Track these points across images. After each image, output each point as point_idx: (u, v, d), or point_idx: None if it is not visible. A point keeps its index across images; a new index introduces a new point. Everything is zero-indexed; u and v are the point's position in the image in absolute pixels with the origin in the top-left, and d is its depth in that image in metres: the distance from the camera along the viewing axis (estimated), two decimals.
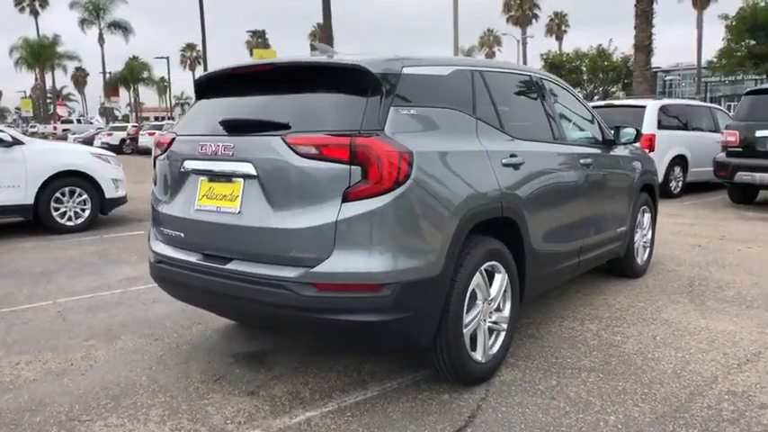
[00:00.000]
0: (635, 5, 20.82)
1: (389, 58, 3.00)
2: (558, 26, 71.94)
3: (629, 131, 4.85)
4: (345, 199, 2.68)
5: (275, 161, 2.82)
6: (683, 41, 76.57)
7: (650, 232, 5.76)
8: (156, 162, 3.49)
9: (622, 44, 52.79)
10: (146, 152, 29.72)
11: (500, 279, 3.33)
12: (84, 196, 8.18)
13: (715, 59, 36.94)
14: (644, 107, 11.22)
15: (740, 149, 9.78)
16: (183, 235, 3.20)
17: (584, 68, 43.84)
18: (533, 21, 68.13)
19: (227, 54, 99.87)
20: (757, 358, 3.62)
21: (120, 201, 8.62)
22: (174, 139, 3.33)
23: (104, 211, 8.52)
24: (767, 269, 5.80)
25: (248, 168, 2.89)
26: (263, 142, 2.89)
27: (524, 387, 3.24)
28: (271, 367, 3.53)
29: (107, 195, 8.31)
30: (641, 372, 3.43)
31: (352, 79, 2.87)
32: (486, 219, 3.15)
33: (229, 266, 2.95)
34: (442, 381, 3.29)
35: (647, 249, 5.73)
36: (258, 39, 68.90)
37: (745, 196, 10.45)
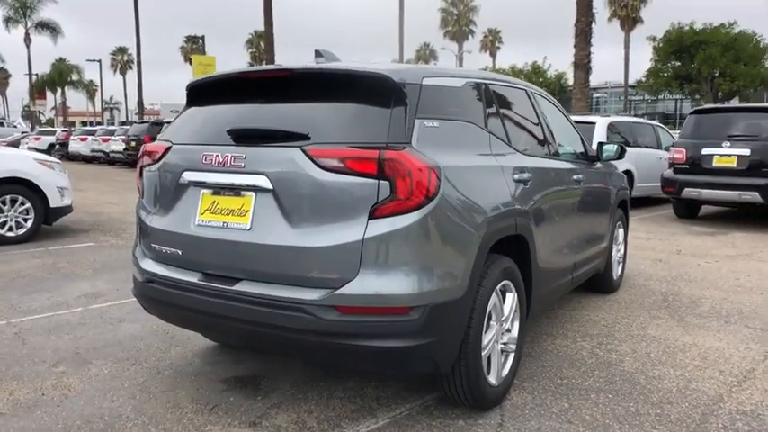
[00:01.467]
0: (575, 25, 21.54)
1: (410, 67, 2.86)
2: (492, 42, 73.98)
3: (611, 148, 4.89)
4: (372, 216, 2.51)
5: (294, 174, 2.61)
6: (611, 61, 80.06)
7: (623, 247, 5.84)
8: (144, 172, 3.21)
9: (555, 62, 54.81)
10: (76, 158, 28.35)
11: (511, 299, 3.24)
12: (27, 205, 7.60)
13: (643, 79, 38.81)
14: (594, 123, 11.52)
15: (687, 166, 10.17)
16: (180, 252, 2.93)
17: None
18: (470, 36, 69.85)
19: (161, 60, 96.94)
20: (753, 375, 3.66)
21: (66, 210, 8.06)
22: (169, 148, 3.05)
23: (49, 222, 7.93)
24: (731, 284, 5.98)
25: (262, 181, 2.67)
26: (280, 154, 2.68)
27: (538, 410, 3.15)
28: (267, 394, 3.30)
29: (52, 204, 7.74)
30: (648, 392, 3.40)
31: (373, 89, 2.71)
32: (503, 236, 3.05)
33: (238, 287, 2.72)
34: (451, 405, 3.15)
35: (621, 264, 5.80)
36: (193, 44, 67.22)
37: (689, 211, 10.87)
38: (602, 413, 3.13)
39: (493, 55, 73.43)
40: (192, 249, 2.90)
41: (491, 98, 3.40)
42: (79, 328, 4.38)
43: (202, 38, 42.89)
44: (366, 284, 2.50)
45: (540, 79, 44.19)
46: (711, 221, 10.57)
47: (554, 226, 3.83)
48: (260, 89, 2.97)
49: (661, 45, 36.21)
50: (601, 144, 4.96)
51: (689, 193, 10.08)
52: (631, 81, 47.70)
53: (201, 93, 3.23)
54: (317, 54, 3.26)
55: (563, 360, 3.86)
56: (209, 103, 3.15)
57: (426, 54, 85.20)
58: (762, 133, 9.66)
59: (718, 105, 12.12)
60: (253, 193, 2.73)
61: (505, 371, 3.24)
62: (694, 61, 34.57)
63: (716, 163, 9.82)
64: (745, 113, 10.51)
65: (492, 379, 3.08)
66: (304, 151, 2.60)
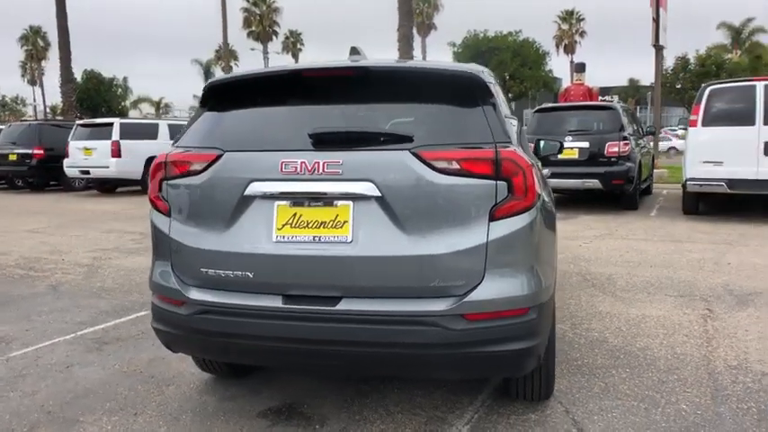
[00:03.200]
0: (398, 30, 22.62)
1: (480, 67, 2.82)
2: (293, 44, 74.33)
3: (552, 144, 5.20)
4: (492, 217, 2.45)
5: (406, 179, 2.44)
6: None
7: None
8: (171, 186, 2.74)
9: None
10: None
11: None
12: None
13: None
14: None
15: None
16: (251, 275, 2.56)
17: None
18: (274, 37, 69.31)
19: None
20: (710, 335, 4.22)
21: None
22: (219, 156, 2.64)
23: None
24: (622, 260, 6.79)
25: (367, 189, 2.44)
26: (386, 157, 2.47)
27: (584, 393, 3.31)
28: (323, 422, 3.03)
29: None
30: (651, 362, 3.75)
31: (460, 87, 2.64)
32: None
33: (342, 307, 2.46)
34: (507, 402, 3.19)
35: None
36: None
37: None
38: (636, 386, 3.39)
39: (295, 56, 73.79)
40: (269, 270, 2.55)
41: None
42: (20, 382, 3.59)
43: None
44: (492, 289, 2.44)
45: None
46: (558, 208, 11.81)
47: None
48: (329, 88, 2.71)
49: (460, 51, 39.38)
50: (538, 140, 5.28)
51: None
52: None
53: (241, 92, 2.85)
54: (354, 51, 3.06)
55: (560, 343, 4.08)
56: (256, 104, 2.79)
57: (227, 54, 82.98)
58: (594, 128, 11.10)
59: (556, 104, 13.60)
60: (350, 202, 2.49)
61: None
62: (489, 65, 38.18)
63: (560, 155, 11.02)
64: (578, 111, 11.93)
65: None
66: (415, 154, 2.45)
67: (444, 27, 59.88)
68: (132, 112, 60.06)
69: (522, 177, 2.46)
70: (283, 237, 2.54)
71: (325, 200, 2.51)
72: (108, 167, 14.64)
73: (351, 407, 3.18)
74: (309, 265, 2.51)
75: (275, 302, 2.54)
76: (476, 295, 2.42)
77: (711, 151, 9.45)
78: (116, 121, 15.22)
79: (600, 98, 16.67)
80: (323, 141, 2.54)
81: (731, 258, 6.77)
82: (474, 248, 2.42)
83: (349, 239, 2.48)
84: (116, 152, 14.53)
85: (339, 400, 3.25)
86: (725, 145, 9.37)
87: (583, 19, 66.59)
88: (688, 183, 9.67)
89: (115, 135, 14.68)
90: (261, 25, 65.78)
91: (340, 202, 2.50)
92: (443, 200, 2.44)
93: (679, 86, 37.08)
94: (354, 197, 2.48)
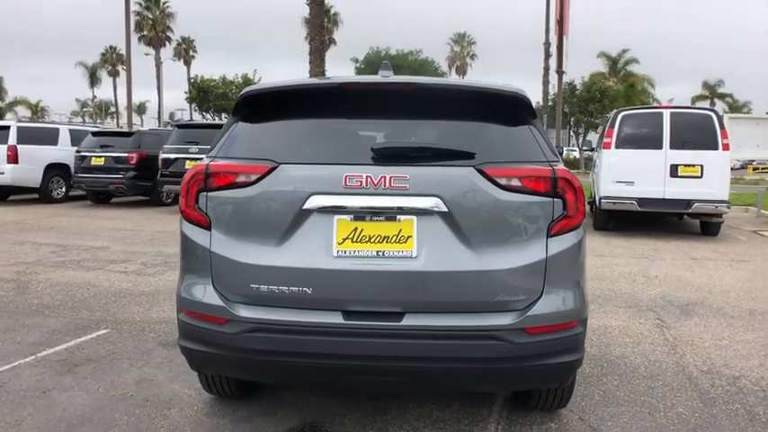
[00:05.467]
0: (309, 42, 22.57)
1: (518, 86, 2.92)
2: (186, 51, 71.91)
3: None
4: (549, 234, 2.54)
5: (472, 195, 2.48)
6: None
7: None
8: (211, 198, 2.60)
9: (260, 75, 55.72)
10: None
11: None
12: None
13: None
14: None
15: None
16: (310, 290, 2.48)
17: (233, 95, 44.85)
18: (167, 43, 66.61)
19: None
20: (671, 343, 4.58)
21: None
22: (273, 168, 2.54)
23: None
24: None
25: (434, 204, 2.45)
26: (454, 173, 2.50)
27: (588, 401, 3.48)
28: None
29: None
30: (632, 369, 4.01)
31: (507, 106, 2.72)
32: None
33: (407, 322, 2.45)
34: (523, 413, 3.29)
35: None
36: None
37: None
38: (631, 392, 3.61)
39: (187, 63, 71.43)
40: (329, 285, 2.48)
41: None
42: (6, 408, 3.22)
43: None
44: (550, 303, 2.53)
45: None
46: None
47: None
48: (379, 102, 2.70)
49: (363, 66, 39.88)
50: None
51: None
52: None
53: (286, 103, 2.76)
54: (386, 67, 3.06)
55: None
56: (306, 116, 2.72)
57: (113, 58, 78.71)
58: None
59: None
60: (413, 217, 2.48)
61: None
62: None
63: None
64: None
65: None
66: (480, 171, 2.49)
67: (344, 43, 60.52)
68: (8, 116, 55.43)
69: (574, 195, 2.58)
70: (344, 251, 2.48)
71: (388, 214, 2.49)
72: (3, 174, 13.39)
73: (374, 423, 3.14)
74: (372, 280, 2.48)
75: (336, 318, 2.48)
76: (536, 309, 2.50)
77: (623, 172, 10.24)
78: (13, 123, 14.00)
79: None
80: (387, 156, 2.52)
81: (655, 271, 7.35)
82: (536, 263, 2.51)
83: (414, 254, 2.47)
84: (12, 157, 13.34)
85: (358, 417, 3.20)
86: (635, 166, 10.19)
87: (474, 42, 69.94)
88: (602, 201, 10.39)
89: (12, 139, 13.47)
90: (153, 30, 63.06)
91: (403, 217, 2.49)
92: (506, 216, 2.51)
93: (566, 110, 39.72)
94: (420, 212, 2.48)
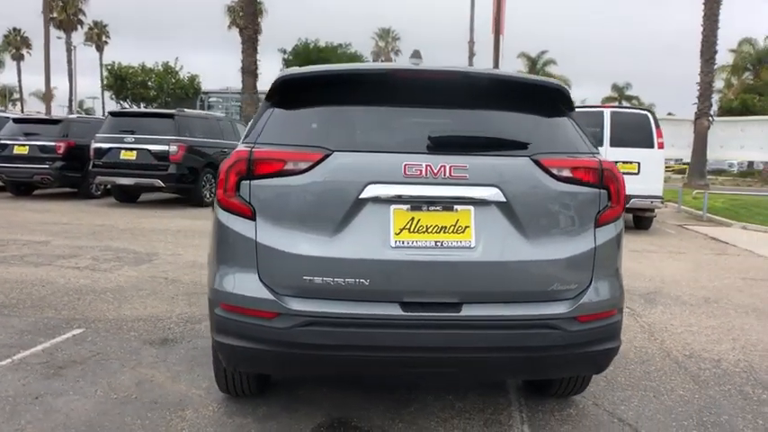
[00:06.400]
0: (242, 31, 22.13)
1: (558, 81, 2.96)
2: (98, 36, 68.28)
3: None
4: (597, 224, 2.60)
5: (530, 185, 2.49)
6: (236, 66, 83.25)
7: None
8: (265, 186, 2.48)
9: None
10: None
11: None
12: None
13: None
14: None
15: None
16: (367, 282, 2.41)
17: (152, 84, 43.02)
18: (79, 27, 62.84)
19: None
20: (651, 331, 4.81)
21: None
22: (327, 155, 2.44)
23: None
24: None
25: (493, 194, 2.45)
26: (511, 163, 2.50)
27: (594, 387, 3.59)
28: None
29: None
30: (623, 354, 4.17)
31: (550, 99, 2.76)
32: None
33: (466, 313, 2.43)
34: (542, 400, 3.36)
35: None
36: None
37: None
38: (631, 377, 3.77)
39: (100, 49, 67.84)
40: (386, 277, 2.42)
41: None
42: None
43: None
44: (597, 292, 2.59)
45: (174, 80, 42.98)
46: None
47: None
48: (428, 90, 2.65)
49: (291, 58, 39.26)
50: None
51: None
52: (264, 88, 50.30)
53: (332, 89, 2.66)
54: (416, 54, 3.02)
55: None
56: (355, 103, 2.64)
57: (17, 41, 73.53)
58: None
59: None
60: (470, 207, 2.47)
61: None
62: None
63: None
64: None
65: None
66: (535, 161, 2.51)
67: (268, 32, 59.44)
68: None
69: (617, 186, 2.65)
70: (402, 242, 2.44)
71: (445, 204, 2.46)
72: None
73: (401, 416, 3.11)
74: (430, 270, 2.44)
75: (394, 310, 2.43)
76: (586, 298, 2.55)
77: None
78: None
79: None
80: (445, 145, 2.49)
81: None
82: (586, 253, 2.56)
83: (472, 245, 2.46)
84: None
85: (382, 411, 3.16)
86: None
87: (399, 38, 70.53)
88: None
89: None
90: (64, 12, 59.27)
91: (460, 207, 2.47)
92: (559, 206, 2.55)
93: None
94: (477, 202, 2.47)
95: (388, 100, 2.67)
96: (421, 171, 2.43)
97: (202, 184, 12.56)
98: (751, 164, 39.14)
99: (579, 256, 2.55)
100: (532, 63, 54.69)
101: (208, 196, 12.71)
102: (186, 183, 12.18)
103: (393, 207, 2.45)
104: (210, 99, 77.47)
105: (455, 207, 2.47)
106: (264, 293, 2.45)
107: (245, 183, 2.50)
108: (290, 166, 2.46)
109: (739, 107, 33.66)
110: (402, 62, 3.01)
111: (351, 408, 3.18)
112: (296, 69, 2.78)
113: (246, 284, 2.49)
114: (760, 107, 34.91)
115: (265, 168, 2.48)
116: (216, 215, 2.61)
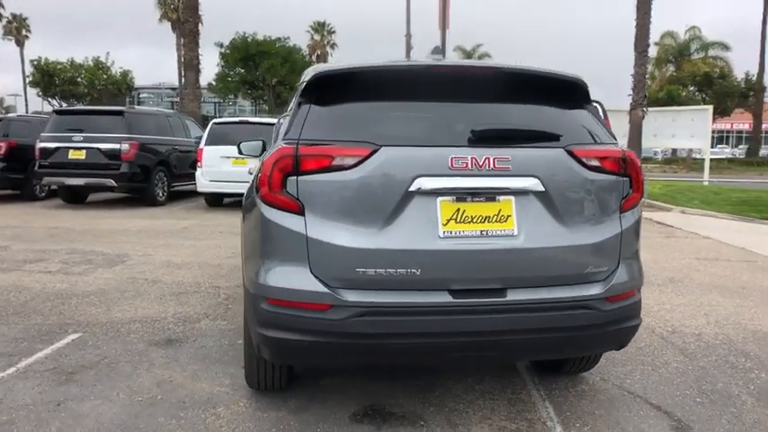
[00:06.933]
0: (183, 24, 21.56)
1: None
2: (17, 30, 64.83)
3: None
4: (621, 210, 2.78)
5: (565, 174, 2.65)
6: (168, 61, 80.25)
7: None
8: (314, 181, 2.53)
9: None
10: None
11: None
12: None
13: (214, 83, 40.51)
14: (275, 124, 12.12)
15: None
16: (418, 272, 2.50)
17: (82, 80, 41.17)
18: None
19: None
20: None
21: None
22: (375, 150, 2.51)
23: None
24: None
25: (533, 184, 2.59)
26: (548, 154, 2.64)
27: (602, 363, 3.81)
28: (421, 419, 3.04)
29: None
30: None
31: (572, 92, 2.91)
32: None
33: (511, 297, 2.56)
34: (549, 377, 3.56)
35: None
36: None
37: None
38: (626, 354, 3.99)
39: (20, 44, 64.39)
40: (436, 266, 2.52)
41: None
42: (14, 430, 2.85)
43: None
44: (624, 273, 2.78)
45: (105, 76, 41.30)
46: None
47: None
48: (464, 85, 2.77)
49: (228, 51, 38.47)
50: None
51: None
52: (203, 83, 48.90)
53: (370, 85, 2.72)
54: (437, 50, 3.12)
55: None
56: (392, 98, 2.73)
57: None
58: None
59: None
60: (511, 197, 2.60)
61: None
62: (259, 69, 38.00)
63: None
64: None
65: None
66: (569, 152, 2.66)
67: (206, 25, 57.97)
68: None
69: (637, 174, 2.84)
70: (450, 232, 2.54)
71: (488, 195, 2.59)
72: None
73: (429, 400, 3.23)
74: (476, 258, 2.56)
75: (444, 298, 2.53)
76: (616, 279, 2.74)
77: None
78: None
79: None
80: (487, 138, 2.61)
81: None
82: (614, 237, 2.74)
83: (514, 233, 2.59)
84: None
85: (409, 396, 3.27)
86: None
87: (334, 32, 70.08)
88: None
89: None
90: None
91: (502, 197, 2.60)
92: (591, 194, 2.71)
93: None
94: (519, 192, 2.60)
95: (427, 95, 2.76)
96: (467, 164, 2.54)
97: (155, 182, 12.21)
98: (674, 151, 41.31)
99: (608, 241, 2.73)
100: (468, 56, 55.62)
101: (161, 195, 12.41)
102: (139, 182, 11.81)
103: (440, 199, 2.55)
104: (141, 95, 74.89)
105: (497, 197, 2.60)
106: (317, 286, 2.51)
107: (291, 179, 2.54)
108: (338, 162, 2.52)
109: (665, 98, 35.39)
110: (402, 57, 3.10)
111: (379, 395, 3.27)
112: (332, 66, 2.83)
113: (298, 278, 2.53)
114: (684, 98, 36.84)
115: (313, 164, 2.53)
116: (259, 211, 2.63)
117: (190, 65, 21.43)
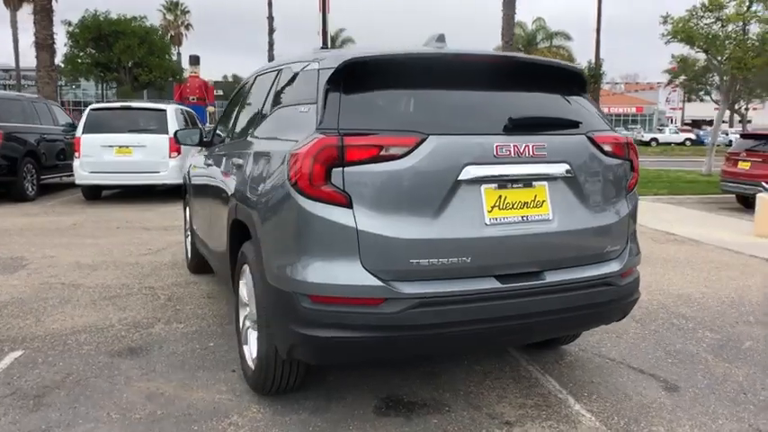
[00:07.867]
0: (35, 1, 19.27)
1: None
2: None
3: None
4: (627, 191, 2.98)
5: (589, 160, 2.80)
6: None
7: None
8: (361, 172, 2.44)
9: None
10: None
11: None
12: None
13: (62, 64, 36.81)
14: (164, 110, 11.38)
15: None
16: (468, 260, 2.50)
17: None
18: None
19: None
20: None
21: None
22: (423, 140, 2.45)
23: None
24: None
25: (563, 169, 2.69)
26: (575, 141, 2.76)
27: (596, 336, 4.06)
28: (444, 404, 3.06)
29: None
30: None
31: (574, 81, 3.05)
32: None
33: (549, 279, 2.66)
34: (535, 353, 3.74)
35: None
36: None
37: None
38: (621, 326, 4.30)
39: None
40: (484, 253, 2.54)
41: None
42: None
43: None
44: (631, 251, 3.01)
45: None
46: None
47: None
48: (494, 74, 2.83)
49: (78, 30, 35.13)
50: None
51: None
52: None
53: (407, 72, 2.67)
54: (441, 38, 3.11)
55: None
56: (431, 86, 2.69)
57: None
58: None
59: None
60: (545, 182, 2.67)
61: None
62: (114, 50, 35.14)
63: None
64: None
65: None
66: (590, 138, 2.79)
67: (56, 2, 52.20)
68: None
69: (636, 158, 3.05)
70: (495, 219, 2.57)
71: (525, 181, 2.65)
72: None
73: (442, 386, 3.26)
74: (519, 243, 2.62)
75: (493, 284, 2.56)
76: (626, 256, 2.94)
77: None
78: None
79: None
80: (525, 126, 2.66)
81: None
82: (625, 217, 2.94)
83: (550, 217, 2.68)
84: None
85: (419, 384, 3.28)
86: None
87: (188, 11, 66.56)
88: None
89: None
90: None
91: (537, 183, 2.67)
92: (607, 177, 2.88)
93: None
94: (551, 177, 2.69)
95: (464, 84, 2.76)
96: (510, 151, 2.57)
97: (23, 175, 10.96)
98: None
99: (621, 221, 2.92)
100: (332, 41, 55.53)
101: (30, 189, 11.17)
102: (6, 175, 10.54)
103: (484, 186, 2.57)
104: None
105: (533, 183, 2.67)
106: (371, 280, 2.42)
107: (336, 171, 2.42)
108: (385, 152, 2.44)
109: None
110: (402, 45, 3.06)
111: (391, 386, 3.24)
112: (364, 52, 2.70)
113: (347, 273, 2.43)
114: None
115: (359, 155, 2.42)
116: (296, 206, 2.47)
117: (43, 44, 19.27)
